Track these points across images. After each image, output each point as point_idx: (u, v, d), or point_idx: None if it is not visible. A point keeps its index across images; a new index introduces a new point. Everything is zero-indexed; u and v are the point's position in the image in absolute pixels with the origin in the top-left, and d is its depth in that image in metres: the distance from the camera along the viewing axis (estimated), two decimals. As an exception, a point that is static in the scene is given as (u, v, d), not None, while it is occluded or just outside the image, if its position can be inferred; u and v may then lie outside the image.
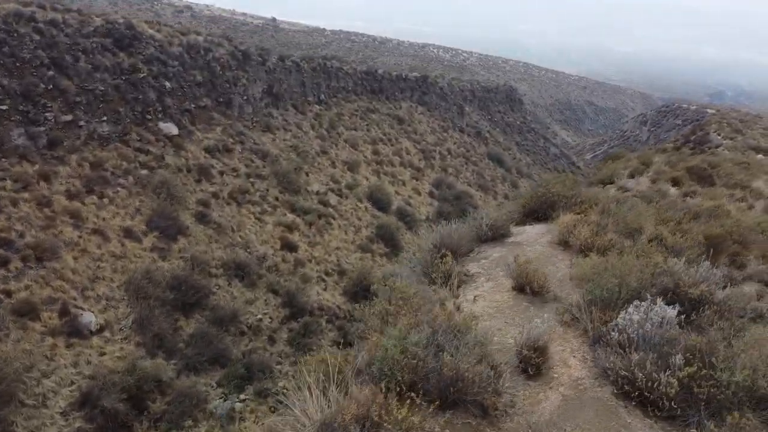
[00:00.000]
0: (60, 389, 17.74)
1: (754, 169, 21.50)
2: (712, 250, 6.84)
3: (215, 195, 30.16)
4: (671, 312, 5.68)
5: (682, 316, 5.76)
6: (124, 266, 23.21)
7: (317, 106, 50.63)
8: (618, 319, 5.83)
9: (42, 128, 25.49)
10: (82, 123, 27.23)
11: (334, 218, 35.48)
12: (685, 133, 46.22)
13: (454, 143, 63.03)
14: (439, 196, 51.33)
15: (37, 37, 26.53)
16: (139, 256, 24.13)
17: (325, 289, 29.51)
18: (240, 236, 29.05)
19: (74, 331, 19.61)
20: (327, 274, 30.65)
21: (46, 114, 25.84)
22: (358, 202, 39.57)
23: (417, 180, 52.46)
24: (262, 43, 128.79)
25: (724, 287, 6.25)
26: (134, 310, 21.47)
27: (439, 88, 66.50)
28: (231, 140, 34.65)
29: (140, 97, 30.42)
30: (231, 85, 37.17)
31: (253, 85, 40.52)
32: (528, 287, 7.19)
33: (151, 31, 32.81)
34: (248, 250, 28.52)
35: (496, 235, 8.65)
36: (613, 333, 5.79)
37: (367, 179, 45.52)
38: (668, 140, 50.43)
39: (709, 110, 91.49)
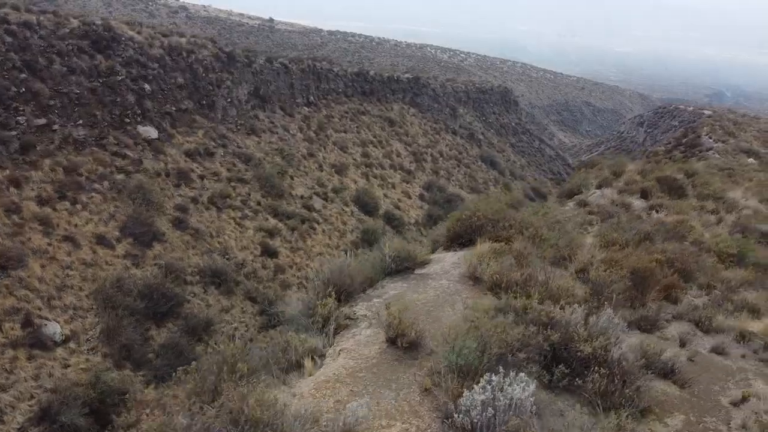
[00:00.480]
0: (18, 404, 17.16)
1: (737, 176, 20.94)
2: (642, 284, 6.24)
3: (194, 200, 29.61)
4: (521, 392, 4.69)
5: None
6: (94, 274, 22.64)
7: (306, 108, 50.11)
8: (464, 396, 4.89)
9: (13, 132, 24.91)
10: (56, 127, 26.69)
11: (318, 223, 34.94)
12: (677, 136, 45.76)
13: (447, 145, 62.49)
14: (430, 199, 50.78)
15: (9, 39, 25.97)
16: (111, 263, 23.56)
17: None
18: (219, 242, 28.51)
19: (37, 343, 19.02)
20: (308, 280, 30.02)
21: (18, 118, 25.28)
22: (344, 206, 39.02)
23: (407, 183, 51.92)
24: (257, 44, 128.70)
25: (644, 330, 5.58)
26: (102, 320, 20.91)
27: (431, 90, 65.97)
28: (213, 144, 34.10)
29: (118, 100, 29.88)
30: (214, 87, 36.63)
31: (238, 87, 39.99)
32: (400, 340, 6.04)
33: (131, 33, 32.27)
34: (227, 257, 27.98)
35: (400, 268, 7.92)
36: (457, 415, 4.85)
37: (355, 182, 44.98)
38: (662, 143, 49.86)
39: (705, 112, 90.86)
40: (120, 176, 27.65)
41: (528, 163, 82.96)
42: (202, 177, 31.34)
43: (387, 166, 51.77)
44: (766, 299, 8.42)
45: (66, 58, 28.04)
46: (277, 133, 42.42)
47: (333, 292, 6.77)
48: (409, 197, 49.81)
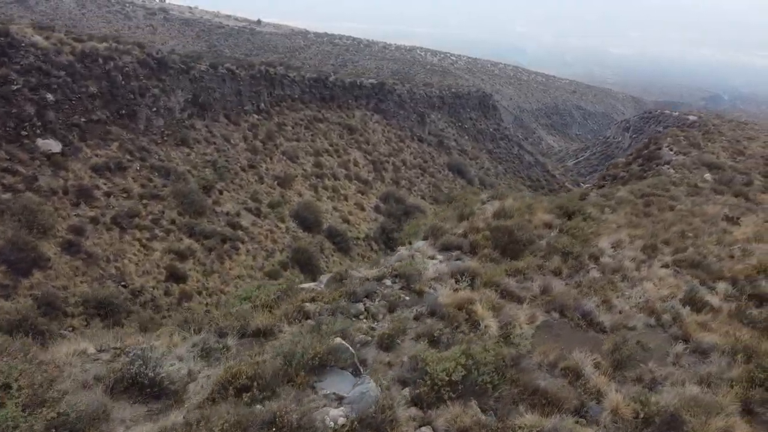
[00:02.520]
0: None
1: (658, 205, 18.51)
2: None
3: (94, 220, 27.24)
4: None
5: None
6: (-52, 309, 20.31)
7: (255, 116, 47.79)
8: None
9: None
10: (-67, 142, 24.41)
11: (242, 242, 32.58)
12: (639, 147, 43.42)
13: (411, 153, 60.13)
14: (386, 210, 48.41)
15: None
16: (-28, 296, 21.23)
17: (212, 325, 26.58)
18: (116, 267, 26.14)
19: None
20: (218, 307, 27.73)
21: None
22: (280, 222, 36.67)
23: (363, 194, 49.58)
24: (237, 46, 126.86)
25: None
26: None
27: (397, 96, 63.58)
28: (128, 157, 31.76)
29: (14, 111, 27.53)
30: (136, 95, 34.29)
31: (170, 94, 37.66)
32: None
33: (35, 38, 29.96)
34: (122, 283, 25.63)
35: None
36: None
37: (300, 195, 42.65)
38: (625, 154, 47.48)
39: (690, 117, 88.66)
40: (6, 195, 25.32)
41: (505, 170, 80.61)
42: (108, 194, 28.97)
43: (342, 176, 49.45)
44: None
45: (-51, 67, 25.77)
46: (214, 143, 40.08)
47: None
48: (363, 209, 47.47)
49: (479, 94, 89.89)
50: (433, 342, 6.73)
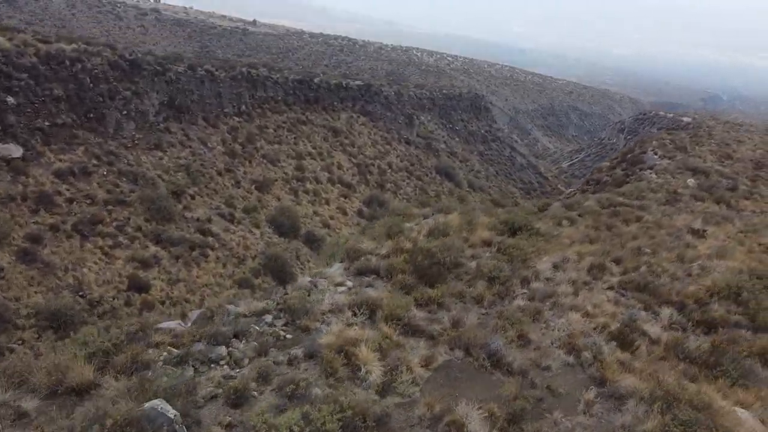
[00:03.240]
0: None
1: (625, 216, 17.57)
2: None
3: (54, 227, 26.38)
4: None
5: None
6: None
7: (236, 119, 46.91)
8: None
9: None
10: None
11: (212, 248, 31.70)
12: (624, 151, 42.53)
13: (398, 156, 59.22)
14: (369, 215, 47.54)
15: None
16: None
17: (175, 337, 25.71)
18: (74, 276, 25.26)
19: None
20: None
21: None
22: (254, 228, 35.81)
23: (346, 198, 48.73)
24: (228, 47, 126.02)
25: None
26: None
27: (383, 98, 62.69)
28: (95, 161, 30.89)
29: (-28, 115, 26.75)
30: (105, 98, 33.43)
31: (143, 97, 36.79)
32: None
33: (-2, 40, 29.13)
34: (80, 293, 24.77)
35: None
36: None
37: (279, 199, 41.80)
38: (610, 157, 46.62)
39: (684, 119, 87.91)
40: (-41, 203, 24.51)
41: (496, 172, 79.68)
42: (71, 200, 28.11)
43: (324, 179, 48.57)
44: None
45: None
46: (190, 147, 39.20)
47: None
48: (345, 213, 46.61)
49: (471, 96, 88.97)
50: (293, 396, 5.82)
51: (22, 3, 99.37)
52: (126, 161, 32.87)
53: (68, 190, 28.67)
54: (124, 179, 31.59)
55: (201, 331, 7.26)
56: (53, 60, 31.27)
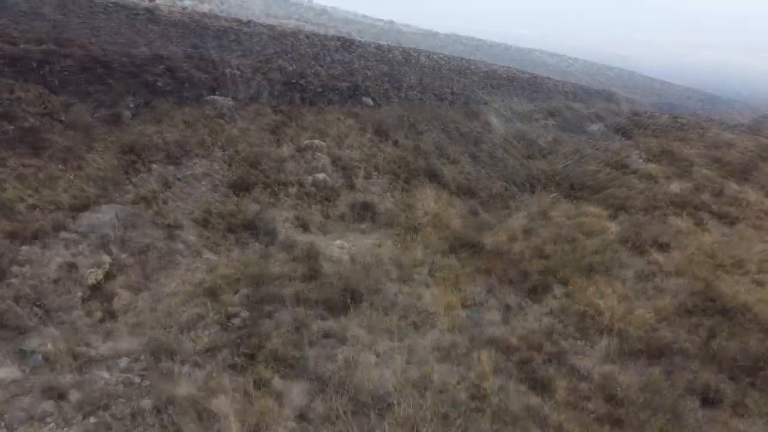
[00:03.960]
0: None
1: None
2: None
3: (12, 235, 25.60)
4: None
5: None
6: None
7: (218, 121, 46.16)
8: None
9: None
10: None
11: (182, 255, 30.88)
12: (610, 154, 41.79)
13: (384, 159, 58.37)
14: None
15: None
16: None
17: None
18: (30, 286, 24.50)
19: None
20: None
21: None
22: (228, 233, 34.99)
23: (329, 201, 47.96)
24: (222, 47, 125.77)
25: None
26: None
27: (372, 99, 61.80)
28: (61, 166, 30.10)
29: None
30: (75, 101, 32.61)
31: (117, 99, 35.95)
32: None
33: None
34: (37, 304, 23.98)
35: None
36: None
37: (258, 202, 40.95)
38: (593, 162, 45.76)
39: (680, 119, 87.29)
40: None
41: (488, 174, 78.99)
42: (33, 207, 27.32)
43: (308, 183, 47.80)
44: None
45: None
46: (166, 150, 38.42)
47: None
48: (328, 217, 45.84)
49: (464, 96, 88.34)
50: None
51: (11, 3, 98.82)
52: (95, 166, 32.08)
53: (31, 196, 27.89)
54: (92, 184, 30.80)
55: None
56: (19, 62, 30.48)
